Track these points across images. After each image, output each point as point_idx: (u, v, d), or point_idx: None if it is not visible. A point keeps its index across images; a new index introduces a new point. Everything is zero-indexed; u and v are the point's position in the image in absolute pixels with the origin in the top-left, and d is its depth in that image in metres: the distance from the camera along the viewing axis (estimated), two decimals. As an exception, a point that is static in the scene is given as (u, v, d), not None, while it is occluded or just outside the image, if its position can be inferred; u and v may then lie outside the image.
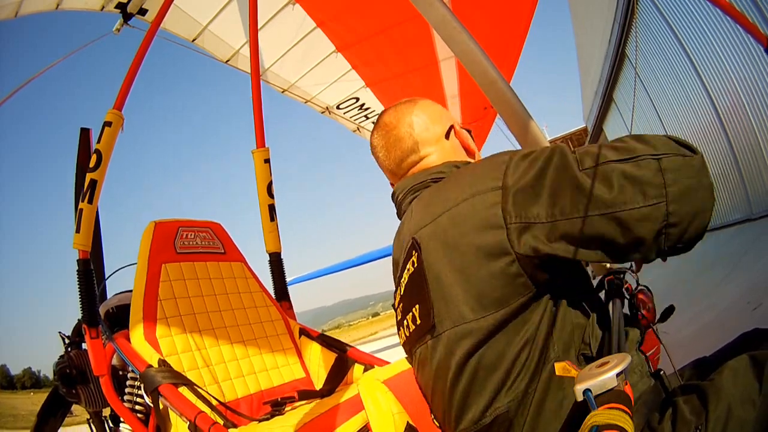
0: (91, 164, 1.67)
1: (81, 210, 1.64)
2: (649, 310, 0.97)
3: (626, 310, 0.96)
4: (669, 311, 1.03)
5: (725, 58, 6.62)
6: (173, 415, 1.32)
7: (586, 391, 0.56)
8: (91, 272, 1.65)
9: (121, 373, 1.63)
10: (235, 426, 1.29)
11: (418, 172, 0.99)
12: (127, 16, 2.18)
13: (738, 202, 7.93)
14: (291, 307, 2.00)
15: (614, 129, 13.58)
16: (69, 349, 1.82)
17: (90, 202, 1.65)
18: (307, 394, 1.56)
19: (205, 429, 1.19)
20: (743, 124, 6.88)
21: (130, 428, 1.57)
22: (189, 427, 1.23)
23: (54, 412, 1.97)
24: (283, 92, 3.35)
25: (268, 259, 2.07)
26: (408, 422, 0.80)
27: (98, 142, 1.70)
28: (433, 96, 3.86)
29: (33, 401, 21.27)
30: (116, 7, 2.17)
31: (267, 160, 2.12)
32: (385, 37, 3.08)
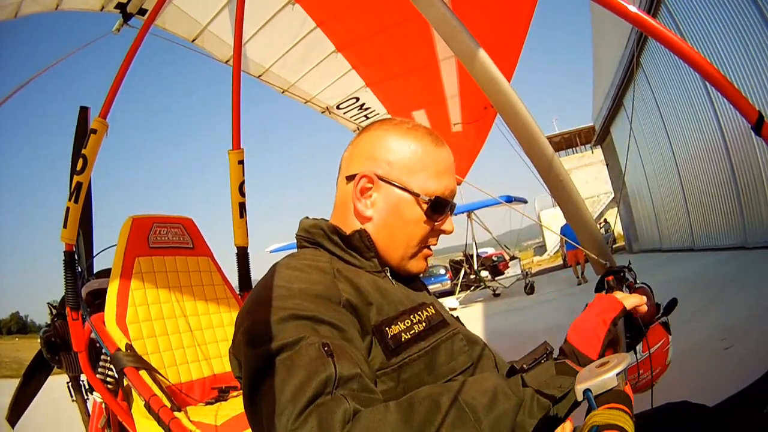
0: (78, 167, 1.84)
1: (68, 208, 1.82)
2: (649, 307, 0.96)
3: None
4: (672, 304, 1.03)
5: (738, 81, 6.53)
6: (135, 393, 1.55)
7: (586, 391, 0.56)
8: (75, 262, 1.84)
9: (98, 345, 1.82)
10: (180, 409, 1.50)
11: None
12: (126, 16, 2.19)
13: (733, 229, 7.85)
14: None
15: (621, 132, 13.55)
16: (55, 319, 2.03)
17: (76, 201, 1.81)
18: None
19: (155, 410, 1.42)
20: (748, 152, 6.81)
21: (101, 397, 1.78)
22: (144, 406, 1.46)
23: (38, 372, 2.21)
24: (283, 92, 3.36)
25: (236, 252, 2.20)
26: None
27: (84, 147, 1.86)
28: (433, 96, 3.89)
29: (17, 347, 21.02)
30: (116, 7, 2.18)
31: (241, 162, 2.22)
32: (385, 37, 3.08)
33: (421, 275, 0.89)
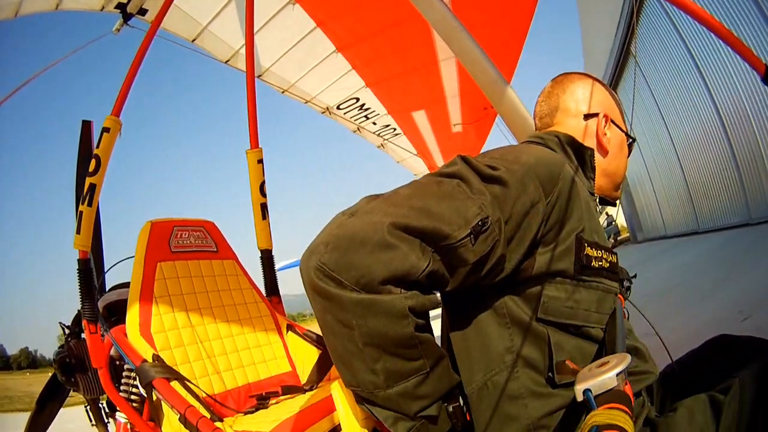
0: (91, 168, 1.74)
1: (81, 212, 1.72)
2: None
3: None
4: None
5: (729, 61, 6.57)
6: (165, 407, 1.41)
7: (586, 391, 0.56)
8: (90, 271, 1.73)
9: (117, 363, 1.70)
10: (221, 419, 1.38)
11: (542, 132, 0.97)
12: (126, 16, 2.19)
13: (737, 206, 7.84)
14: (280, 301, 2.07)
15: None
16: (69, 339, 1.90)
17: (89, 205, 1.72)
18: (291, 389, 1.65)
19: (193, 422, 1.29)
20: (745, 129, 6.82)
21: (126, 416, 1.65)
22: (179, 419, 1.32)
23: (53, 398, 2.06)
24: (283, 92, 3.35)
25: (260, 255, 2.13)
26: (374, 428, 0.84)
27: (97, 147, 1.77)
28: (433, 96, 3.89)
29: (29, 382, 21.09)
30: (116, 7, 2.18)
31: (260, 161, 2.17)
32: (384, 37, 3.08)
33: None
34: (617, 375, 0.56)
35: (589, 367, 0.60)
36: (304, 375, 1.81)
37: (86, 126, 2.23)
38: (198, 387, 1.47)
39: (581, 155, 0.90)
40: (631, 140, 1.01)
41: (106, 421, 1.92)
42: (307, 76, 3.26)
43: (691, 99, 8.32)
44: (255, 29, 2.63)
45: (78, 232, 1.72)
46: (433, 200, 0.64)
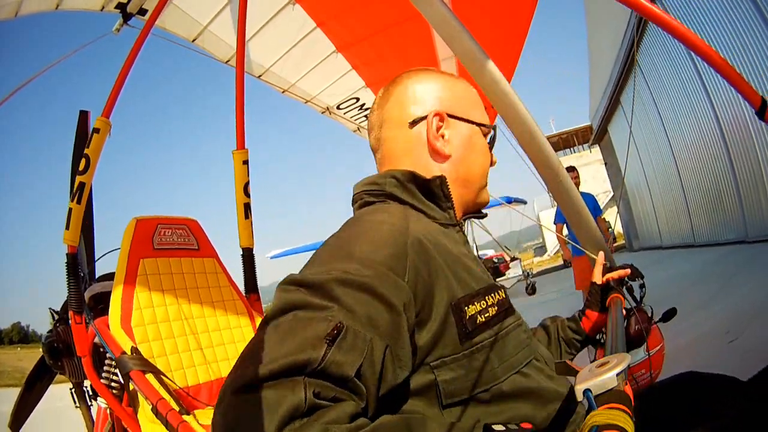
0: (81, 167, 1.81)
1: (70, 209, 1.80)
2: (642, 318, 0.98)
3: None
4: (671, 313, 1.04)
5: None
6: (141, 397, 1.51)
7: (586, 391, 0.56)
8: (78, 265, 1.82)
9: (101, 350, 1.79)
10: (189, 412, 1.47)
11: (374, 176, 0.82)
12: (126, 16, 2.19)
13: (734, 223, 7.81)
14: (259, 299, 2.15)
15: (618, 131, 13.55)
16: (57, 324, 1.99)
17: (78, 202, 1.79)
18: None
19: (163, 413, 1.39)
20: (747, 147, 6.77)
21: (106, 402, 1.75)
22: (152, 410, 1.43)
23: (41, 378, 2.18)
24: (283, 92, 3.36)
25: (241, 253, 2.19)
26: None
27: (87, 147, 1.84)
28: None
29: (19, 356, 20.99)
30: (116, 7, 2.18)
31: (246, 162, 2.21)
32: (385, 37, 3.08)
33: None
34: (617, 375, 0.56)
35: (589, 367, 0.60)
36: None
37: (83, 116, 2.28)
38: (171, 380, 1.57)
39: (428, 190, 0.78)
40: (485, 128, 0.84)
41: (89, 403, 2.00)
42: (308, 76, 3.26)
43: (694, 113, 8.27)
44: (255, 29, 2.63)
45: (67, 227, 1.80)
46: (275, 347, 0.53)
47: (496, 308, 0.71)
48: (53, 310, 2.04)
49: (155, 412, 1.41)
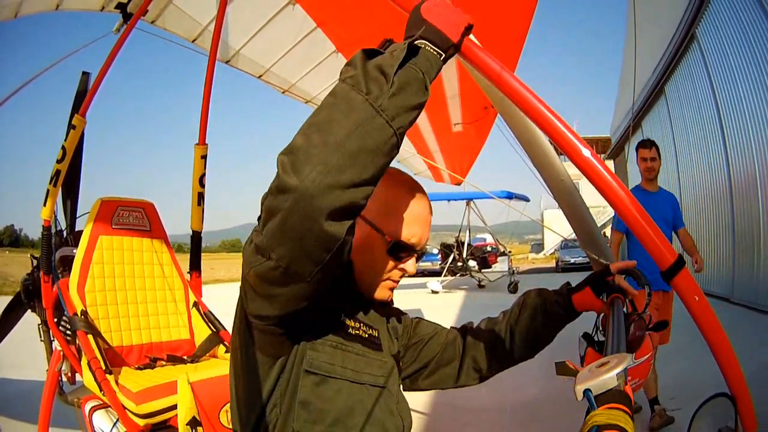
0: (58, 157, 2.12)
1: (48, 191, 2.15)
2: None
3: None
4: (663, 324, 1.05)
5: (753, 128, 6.44)
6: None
7: (587, 391, 0.56)
8: (51, 236, 2.22)
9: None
10: (111, 372, 1.81)
11: None
12: (126, 16, 2.19)
13: (723, 277, 7.73)
14: (199, 276, 2.45)
15: (635, 153, 13.62)
16: (35, 269, 2.35)
17: (55, 185, 2.15)
18: (175, 359, 2.11)
19: (93, 369, 1.77)
20: (751, 204, 6.70)
21: (60, 346, 2.12)
22: (87, 364, 1.82)
23: (16, 309, 2.61)
24: (283, 92, 3.34)
25: (190, 234, 2.46)
26: (194, 416, 1.28)
27: (65, 140, 2.14)
28: (432, 96, 3.86)
29: (5, 261, 20.82)
30: (116, 7, 2.18)
31: (204, 156, 2.40)
32: (385, 37, 3.05)
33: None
34: (617, 375, 0.56)
35: (589, 367, 0.60)
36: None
37: (85, 77, 2.53)
38: (107, 342, 1.96)
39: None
40: (390, 241, 0.85)
41: (51, 339, 2.32)
42: (308, 76, 3.25)
43: (707, 155, 8.22)
44: (255, 30, 2.63)
45: (44, 205, 2.16)
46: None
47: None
48: (33, 257, 2.37)
49: (88, 366, 1.80)
